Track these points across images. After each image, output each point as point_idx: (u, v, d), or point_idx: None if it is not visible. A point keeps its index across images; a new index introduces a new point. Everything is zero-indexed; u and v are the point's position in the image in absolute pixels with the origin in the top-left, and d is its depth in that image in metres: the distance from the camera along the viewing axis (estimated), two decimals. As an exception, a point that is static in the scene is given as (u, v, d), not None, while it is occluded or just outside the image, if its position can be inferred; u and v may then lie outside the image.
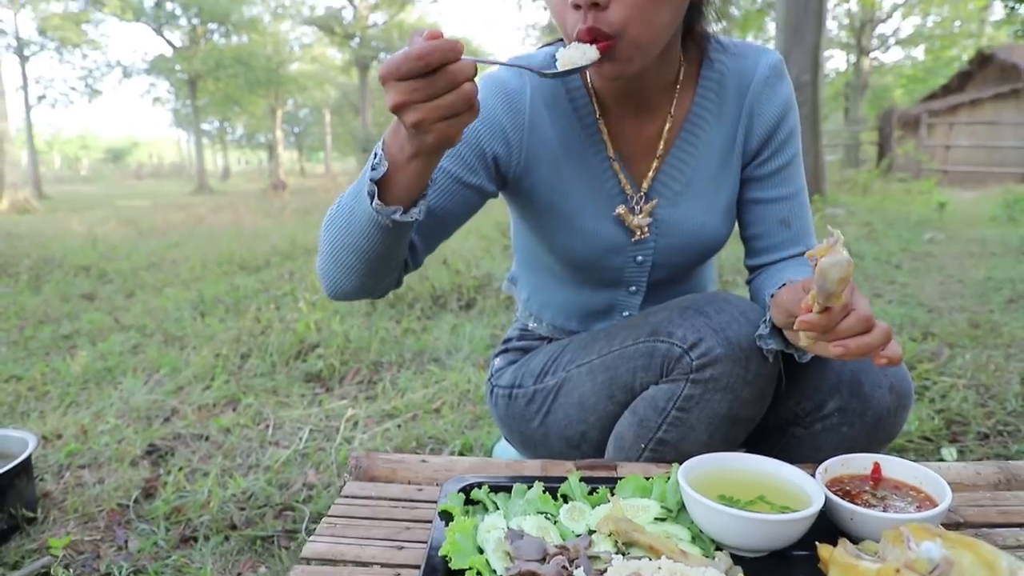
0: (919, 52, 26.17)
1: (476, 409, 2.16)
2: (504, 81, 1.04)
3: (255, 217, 10.02)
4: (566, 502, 0.85)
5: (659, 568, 0.67)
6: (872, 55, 23.63)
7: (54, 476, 1.81)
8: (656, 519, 0.81)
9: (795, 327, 0.77)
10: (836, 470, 0.86)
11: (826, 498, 0.77)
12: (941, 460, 1.78)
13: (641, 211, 1.08)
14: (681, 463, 0.83)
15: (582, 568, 0.70)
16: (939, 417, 1.99)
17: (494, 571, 0.71)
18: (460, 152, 1.00)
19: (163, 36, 21.97)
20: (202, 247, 6.45)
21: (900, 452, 1.82)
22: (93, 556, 1.45)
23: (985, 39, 22.01)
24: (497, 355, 1.34)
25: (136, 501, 1.66)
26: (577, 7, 0.86)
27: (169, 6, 21.40)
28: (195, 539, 1.50)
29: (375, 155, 0.82)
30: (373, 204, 0.83)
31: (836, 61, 26.49)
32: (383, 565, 0.80)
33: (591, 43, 0.86)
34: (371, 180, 0.82)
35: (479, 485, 0.88)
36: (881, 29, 23.54)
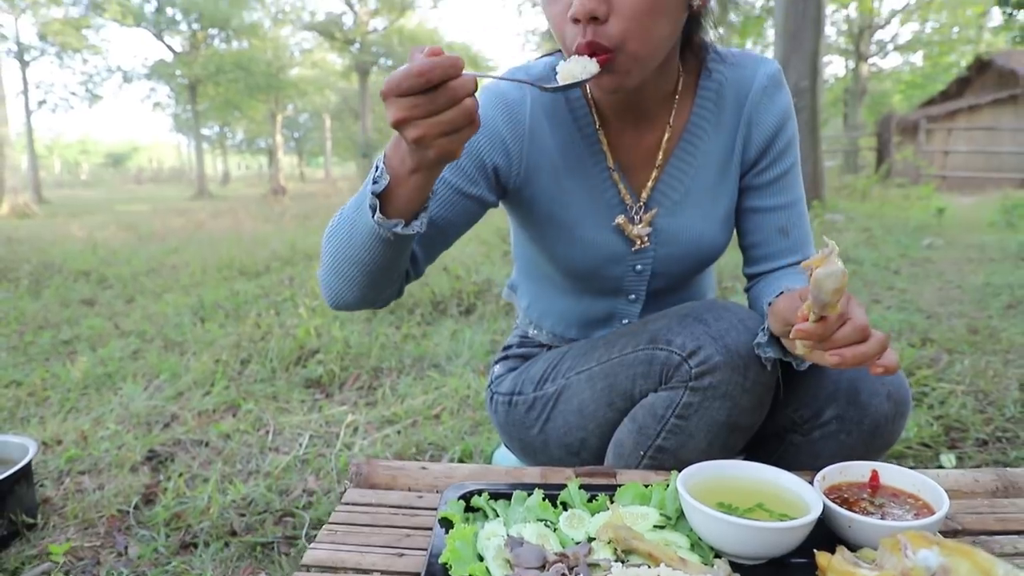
0: (918, 58, 26.26)
1: (476, 415, 2.16)
2: (504, 92, 1.05)
3: (255, 222, 10.03)
4: (566, 509, 0.86)
5: (658, 575, 0.67)
6: (871, 61, 23.69)
7: (54, 482, 1.81)
8: (655, 526, 0.81)
9: (791, 336, 0.78)
10: (834, 478, 0.87)
11: (824, 506, 0.78)
12: (940, 467, 1.78)
13: (640, 221, 1.09)
14: (680, 470, 0.84)
15: (582, 575, 0.70)
16: (938, 423, 1.99)
17: (494, 578, 0.72)
18: (461, 163, 1.01)
19: (163, 41, 22.02)
20: (202, 252, 6.45)
21: (899, 459, 1.82)
22: (93, 562, 1.45)
23: (983, 45, 22.08)
24: (497, 362, 1.35)
25: (136, 507, 1.66)
26: (576, 21, 0.87)
27: (169, 11, 21.46)
28: (195, 545, 1.50)
29: (376, 168, 0.83)
30: (375, 217, 0.83)
31: (835, 67, 26.57)
32: (383, 572, 0.80)
33: (591, 56, 0.87)
34: (372, 193, 0.83)
35: (479, 492, 0.88)
36: (880, 35, 23.72)
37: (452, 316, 3.50)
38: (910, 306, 3.54)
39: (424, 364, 2.75)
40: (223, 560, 1.44)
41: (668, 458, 1.01)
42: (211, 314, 3.77)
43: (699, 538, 0.79)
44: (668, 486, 0.86)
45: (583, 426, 1.10)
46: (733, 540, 0.75)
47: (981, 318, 3.24)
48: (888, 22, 22.59)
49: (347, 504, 0.95)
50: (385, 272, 0.93)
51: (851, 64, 23.25)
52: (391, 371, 2.68)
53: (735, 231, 1.17)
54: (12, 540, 1.53)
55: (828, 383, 1.04)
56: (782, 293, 0.88)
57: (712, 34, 1.06)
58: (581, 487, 0.89)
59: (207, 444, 2.03)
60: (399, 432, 2.08)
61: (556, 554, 0.74)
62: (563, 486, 0.89)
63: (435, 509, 0.91)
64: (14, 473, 1.52)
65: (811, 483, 0.83)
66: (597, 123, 1.06)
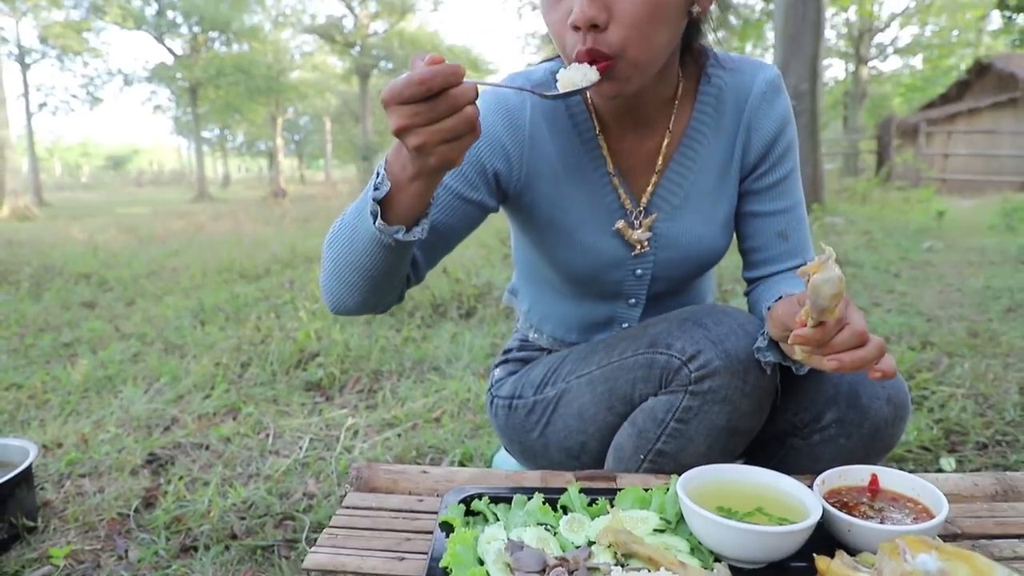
0: (917, 61, 26.33)
1: (476, 418, 2.16)
2: (504, 97, 1.05)
3: (255, 225, 10.03)
4: (566, 513, 0.86)
5: (658, 580, 0.68)
6: (870, 64, 23.73)
7: (54, 485, 1.81)
8: (655, 530, 0.82)
9: (790, 341, 0.78)
10: (834, 482, 0.87)
11: (824, 510, 0.78)
12: (940, 470, 1.78)
13: (640, 225, 1.09)
14: (680, 474, 0.84)
15: (582, 580, 0.70)
16: (938, 427, 1.99)
17: (494, 582, 0.72)
18: (461, 168, 1.01)
19: (164, 44, 22.05)
20: (202, 255, 6.46)
21: (899, 462, 1.82)
22: (93, 566, 1.45)
23: (983, 48, 22.13)
24: (497, 366, 1.35)
25: (136, 510, 1.66)
26: (576, 28, 0.88)
27: (170, 14, 21.49)
28: (195, 549, 1.50)
29: (377, 175, 0.83)
30: (376, 224, 0.84)
31: (835, 70, 26.65)
32: (384, 576, 0.80)
33: (591, 64, 0.88)
34: (374, 200, 0.83)
35: (479, 496, 0.89)
36: (879, 38, 23.66)
37: (452, 319, 3.50)
38: (910, 309, 3.54)
39: (424, 367, 2.75)
40: (223, 564, 1.44)
41: (668, 462, 1.02)
42: (211, 317, 3.77)
43: (699, 542, 0.79)
44: (668, 490, 0.86)
45: (583, 430, 1.11)
46: (733, 544, 0.75)
47: (981, 321, 3.24)
48: (888, 25, 22.64)
49: (348, 508, 0.95)
50: (386, 277, 0.93)
51: (851, 67, 23.29)
52: (391, 374, 2.68)
53: (735, 235, 1.18)
54: (12, 543, 1.53)
55: (828, 387, 1.05)
56: (781, 298, 0.89)
57: (712, 38, 1.07)
58: (581, 491, 0.89)
59: (207, 447, 2.04)
60: (399, 435, 2.08)
61: (556, 558, 0.74)
62: (563, 490, 0.89)
63: (435, 513, 0.92)
64: (15, 476, 1.52)
65: (811, 487, 0.83)
66: (597, 128, 1.07)
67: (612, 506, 0.87)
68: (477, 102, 0.73)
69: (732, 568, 0.75)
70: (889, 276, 4.53)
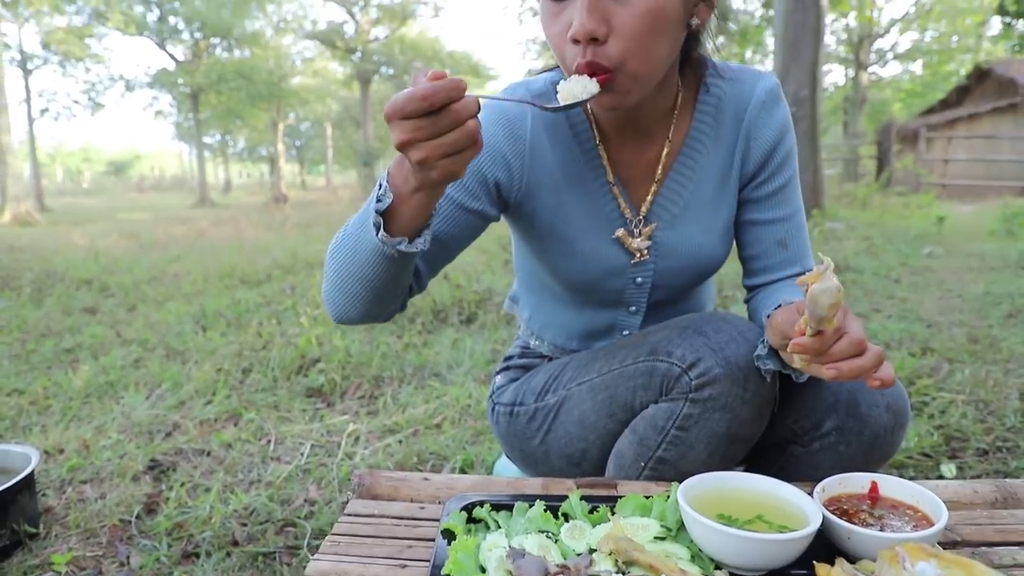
0: (917, 67, 26.37)
1: (477, 424, 2.17)
2: (505, 108, 1.06)
3: (256, 230, 10.05)
4: (567, 520, 0.86)
5: (659, 587, 0.68)
6: (870, 70, 23.77)
7: (56, 491, 1.82)
8: (656, 538, 0.82)
9: (788, 350, 0.79)
10: (834, 489, 0.87)
11: (824, 517, 0.78)
12: (940, 476, 1.78)
13: (640, 234, 1.10)
14: (681, 481, 0.84)
15: (583, 587, 0.71)
16: (938, 433, 2.00)
17: (496, 590, 0.72)
18: (463, 179, 1.02)
19: (166, 50, 22.13)
20: (203, 261, 6.47)
21: (899, 468, 1.82)
22: (95, 572, 1.45)
23: (983, 54, 22.16)
24: (498, 373, 1.36)
25: (138, 517, 1.66)
26: (576, 41, 0.88)
27: (172, 20, 21.58)
28: (197, 555, 1.50)
29: (380, 186, 0.84)
30: (379, 235, 0.84)
31: (835, 76, 26.67)
32: (386, 583, 0.81)
33: (590, 76, 0.89)
34: (376, 211, 0.84)
35: (481, 504, 0.89)
36: (879, 44, 23.71)
37: (453, 325, 3.50)
38: (910, 315, 3.54)
39: (425, 373, 2.75)
40: (225, 570, 1.44)
41: (669, 469, 1.02)
42: (213, 323, 3.77)
43: (699, 550, 0.79)
44: (669, 497, 0.87)
45: (584, 437, 1.11)
46: (733, 552, 0.75)
47: (981, 327, 3.25)
48: (887, 31, 22.70)
49: (349, 515, 0.96)
50: (389, 288, 0.94)
51: (851, 73, 23.34)
52: (392, 380, 2.68)
53: (735, 243, 1.18)
54: (14, 550, 1.53)
55: (828, 395, 1.05)
56: (780, 306, 0.89)
57: (712, 43, 1.08)
58: (582, 498, 0.89)
59: (209, 453, 2.04)
60: (400, 441, 2.08)
61: (558, 566, 0.74)
62: (564, 497, 0.89)
63: (437, 520, 0.92)
64: (17, 483, 1.53)
65: (811, 494, 0.83)
66: (597, 138, 1.08)
67: (613, 513, 0.87)
68: (478, 114, 0.74)
69: (732, 576, 0.76)
70: (889, 282, 4.54)
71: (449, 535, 0.83)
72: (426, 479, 1.04)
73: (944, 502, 0.81)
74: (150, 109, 27.83)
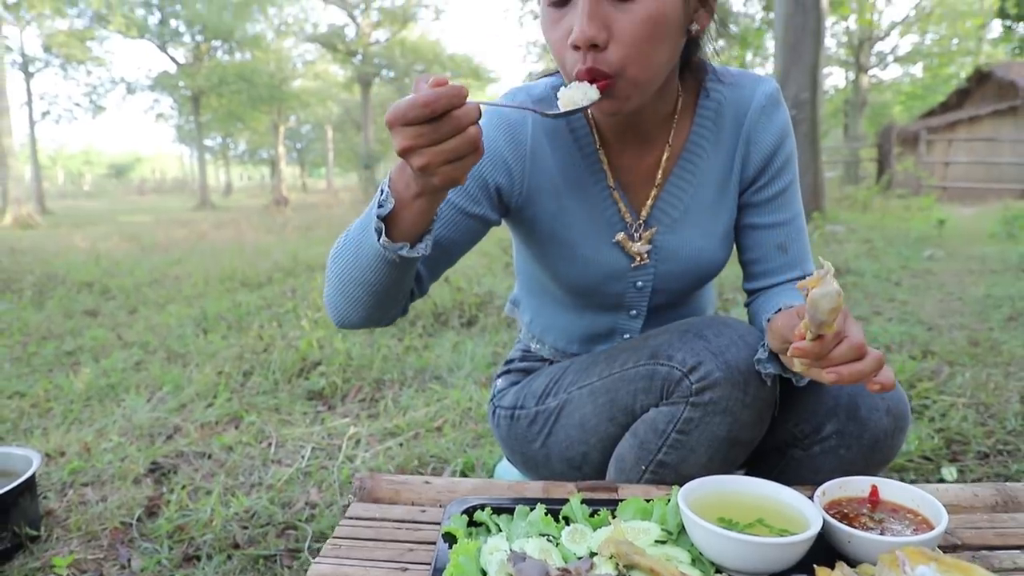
0: (917, 69, 26.40)
1: (478, 427, 2.17)
2: (506, 113, 1.06)
3: (257, 233, 10.06)
4: (568, 524, 0.87)
5: (659, 591, 0.68)
6: (871, 72, 23.79)
7: (57, 494, 1.82)
8: (657, 542, 0.82)
9: (789, 354, 0.79)
10: (834, 493, 0.87)
11: (824, 521, 0.78)
12: (941, 480, 1.78)
13: (640, 238, 1.10)
14: (681, 485, 0.85)
15: (584, 591, 0.71)
16: (939, 436, 2.00)
17: (497, 593, 0.72)
18: (464, 183, 1.02)
19: (167, 53, 22.16)
20: (204, 263, 6.48)
21: (900, 471, 1.82)
22: (96, 575, 1.46)
23: (983, 57, 22.20)
24: (499, 376, 1.36)
25: (139, 519, 1.67)
26: (576, 48, 0.89)
27: (173, 23, 21.63)
28: (198, 558, 1.51)
29: (381, 192, 0.85)
30: (380, 240, 0.85)
31: (835, 78, 26.69)
32: (387, 587, 0.81)
33: (591, 82, 0.89)
34: (378, 217, 0.84)
35: (482, 507, 0.89)
36: (879, 47, 23.78)
37: (454, 328, 3.51)
38: (911, 318, 3.54)
39: (426, 376, 2.75)
40: (226, 573, 1.45)
41: (669, 473, 1.02)
42: (214, 325, 3.78)
43: (700, 553, 0.79)
44: (669, 501, 0.87)
45: (585, 440, 1.11)
46: (734, 555, 0.75)
47: (982, 330, 3.25)
48: (888, 34, 22.71)
49: (351, 518, 0.96)
50: (390, 293, 0.94)
51: (851, 75, 23.35)
52: (393, 383, 2.68)
53: (735, 247, 1.19)
54: (16, 553, 1.53)
55: (828, 398, 1.05)
56: (780, 310, 0.89)
57: (712, 47, 1.08)
58: (583, 502, 0.89)
59: (210, 456, 2.04)
60: (401, 444, 2.08)
61: (559, 569, 0.74)
62: (565, 501, 0.89)
63: (438, 523, 0.92)
64: (18, 485, 1.53)
65: (811, 498, 0.83)
66: (597, 143, 1.08)
67: (614, 517, 0.87)
68: (480, 120, 0.74)
69: (733, 579, 0.76)
70: (890, 285, 4.54)
71: (450, 538, 0.83)
72: (427, 482, 1.04)
73: (944, 506, 0.81)
74: (151, 112, 27.91)
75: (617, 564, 0.77)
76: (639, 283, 1.14)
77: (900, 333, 3.16)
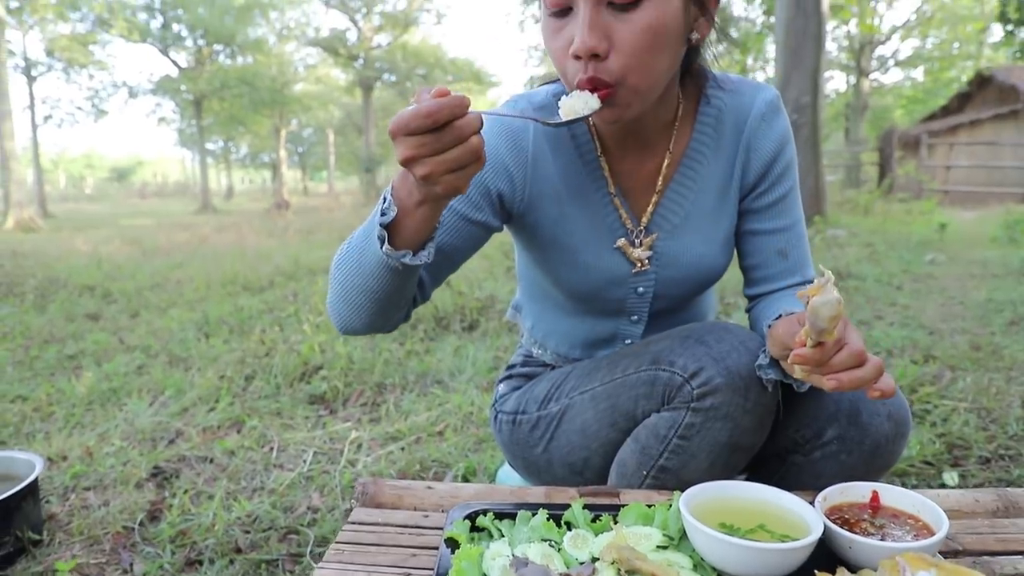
0: (919, 73, 26.44)
1: (479, 432, 2.17)
2: (508, 120, 1.07)
3: (259, 237, 10.07)
4: (570, 529, 0.87)
5: (661, 597, 0.68)
6: (872, 76, 23.82)
7: (59, 498, 1.82)
8: (658, 547, 0.82)
9: (789, 361, 0.79)
10: (835, 498, 0.87)
11: (825, 527, 0.79)
12: (943, 485, 1.78)
13: (641, 244, 1.11)
14: (683, 490, 0.85)
15: (585, 596, 0.71)
16: (940, 441, 2.00)
17: (499, 599, 0.73)
18: (466, 192, 1.03)
19: (169, 57, 22.22)
20: (206, 267, 6.49)
21: (902, 476, 1.82)
22: (99, 579, 1.46)
23: (984, 60, 22.22)
24: (501, 381, 1.36)
25: (141, 524, 1.67)
26: (578, 57, 0.89)
27: (175, 27, 21.69)
28: (200, 563, 1.51)
29: (384, 200, 0.85)
30: (383, 248, 0.85)
31: (836, 82, 26.71)
32: (390, 592, 0.81)
33: (592, 91, 0.90)
34: (380, 225, 0.85)
35: (484, 512, 0.89)
36: (881, 51, 23.78)
37: (455, 332, 3.51)
38: (912, 322, 3.54)
39: (427, 380, 2.76)
40: (228, 578, 1.45)
41: (671, 478, 1.02)
42: (215, 329, 3.78)
43: (701, 559, 0.79)
44: (671, 506, 0.87)
45: (586, 445, 1.11)
46: (735, 561, 0.75)
47: (984, 335, 3.24)
48: (889, 38, 22.76)
49: (353, 523, 0.96)
50: (393, 299, 0.95)
51: (852, 79, 23.38)
52: (394, 387, 2.69)
53: (735, 253, 1.19)
54: (18, 557, 1.54)
55: (829, 404, 1.06)
56: (780, 317, 0.90)
57: (713, 51, 1.08)
58: (585, 507, 0.89)
59: (212, 460, 2.04)
60: (403, 449, 2.09)
61: (561, 574, 0.75)
62: (567, 506, 0.90)
63: (441, 529, 0.92)
64: (21, 490, 1.53)
65: (812, 503, 0.84)
66: (599, 150, 1.09)
67: (615, 522, 0.87)
68: (481, 129, 0.75)
69: (734, 585, 0.76)
70: (891, 289, 4.54)
71: (453, 544, 0.83)
72: (430, 487, 1.05)
73: (945, 511, 0.81)
74: (153, 116, 28.00)
75: (619, 569, 0.77)
76: (640, 289, 1.14)
77: (902, 337, 3.16)
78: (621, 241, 1.10)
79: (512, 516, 0.89)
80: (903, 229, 8.22)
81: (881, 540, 0.79)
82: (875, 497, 0.88)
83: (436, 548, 0.89)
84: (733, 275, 1.24)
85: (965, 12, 22.54)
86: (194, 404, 2.54)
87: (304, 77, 26.60)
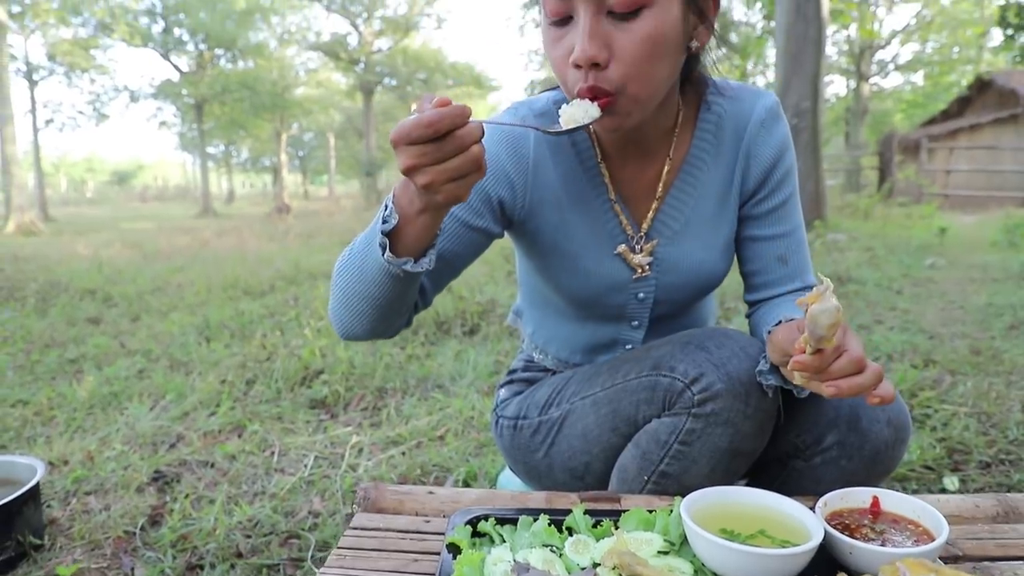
0: (918, 78, 26.45)
1: (480, 436, 2.17)
2: (508, 127, 1.07)
3: (259, 241, 10.08)
4: (571, 534, 0.87)
5: (662, 602, 0.69)
6: (872, 81, 23.84)
7: (61, 502, 1.82)
8: (659, 552, 0.82)
9: (789, 367, 0.80)
10: (836, 504, 0.88)
11: (825, 532, 0.79)
12: (943, 489, 1.79)
13: (642, 250, 1.12)
14: (683, 495, 0.85)
15: (587, 602, 0.71)
16: (940, 446, 2.00)
17: (501, 604, 0.73)
18: (467, 200, 1.03)
19: (170, 61, 22.27)
20: (207, 271, 6.49)
21: (902, 481, 1.82)
22: (100, 584, 1.46)
23: (984, 65, 22.23)
24: (502, 386, 1.37)
25: (142, 528, 1.67)
26: (578, 66, 0.90)
27: (177, 32, 21.75)
28: (201, 567, 1.51)
29: (385, 207, 0.86)
30: (385, 255, 0.86)
31: (836, 86, 26.76)
32: (392, 597, 0.81)
33: (592, 100, 0.90)
34: (382, 232, 0.86)
35: (485, 517, 0.90)
36: (881, 55, 23.80)
37: (456, 336, 3.51)
38: (912, 326, 3.54)
39: (428, 385, 2.76)
40: (229, 582, 1.45)
41: (671, 483, 1.03)
42: (216, 334, 3.79)
43: (702, 564, 0.80)
44: (672, 512, 0.87)
45: (587, 451, 1.12)
46: (735, 566, 0.76)
47: (984, 339, 3.25)
48: (889, 42, 22.79)
49: (355, 528, 0.96)
50: (394, 306, 0.96)
51: (852, 84, 23.40)
52: (395, 392, 2.69)
53: (736, 259, 1.20)
54: (19, 561, 1.54)
55: (829, 410, 1.06)
56: (780, 323, 0.90)
57: (712, 57, 1.09)
58: (586, 512, 0.90)
59: (213, 465, 2.05)
60: (404, 453, 2.09)
61: (561, 580, 0.75)
62: (568, 511, 0.90)
63: (442, 534, 0.93)
64: (22, 494, 1.53)
65: (813, 509, 0.84)
66: (599, 156, 1.09)
67: (617, 527, 0.87)
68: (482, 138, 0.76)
69: (735, 590, 0.76)
70: (891, 293, 4.54)
71: (454, 549, 0.83)
72: (431, 492, 1.05)
73: (946, 516, 0.81)
74: (154, 120, 28.08)
75: (620, 575, 0.77)
76: (641, 294, 1.15)
77: (902, 342, 3.16)
78: (621, 247, 1.11)
79: (513, 521, 0.89)
80: (903, 233, 8.23)
81: (881, 546, 0.79)
82: (875, 502, 0.88)
83: (438, 553, 0.89)
84: (733, 280, 1.25)
85: (965, 16, 22.58)
86: (195, 408, 2.54)
87: (305, 81, 26.65)
